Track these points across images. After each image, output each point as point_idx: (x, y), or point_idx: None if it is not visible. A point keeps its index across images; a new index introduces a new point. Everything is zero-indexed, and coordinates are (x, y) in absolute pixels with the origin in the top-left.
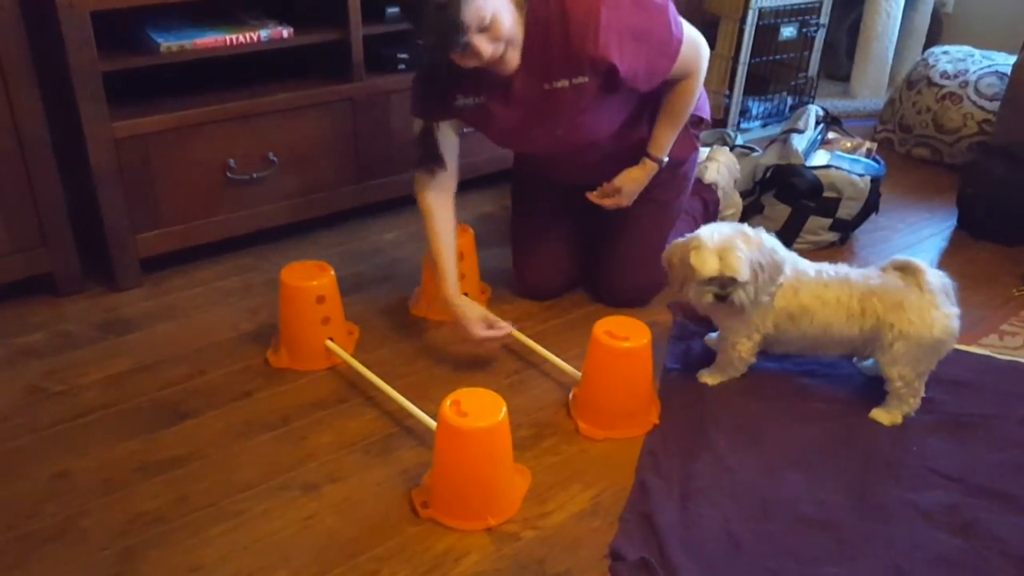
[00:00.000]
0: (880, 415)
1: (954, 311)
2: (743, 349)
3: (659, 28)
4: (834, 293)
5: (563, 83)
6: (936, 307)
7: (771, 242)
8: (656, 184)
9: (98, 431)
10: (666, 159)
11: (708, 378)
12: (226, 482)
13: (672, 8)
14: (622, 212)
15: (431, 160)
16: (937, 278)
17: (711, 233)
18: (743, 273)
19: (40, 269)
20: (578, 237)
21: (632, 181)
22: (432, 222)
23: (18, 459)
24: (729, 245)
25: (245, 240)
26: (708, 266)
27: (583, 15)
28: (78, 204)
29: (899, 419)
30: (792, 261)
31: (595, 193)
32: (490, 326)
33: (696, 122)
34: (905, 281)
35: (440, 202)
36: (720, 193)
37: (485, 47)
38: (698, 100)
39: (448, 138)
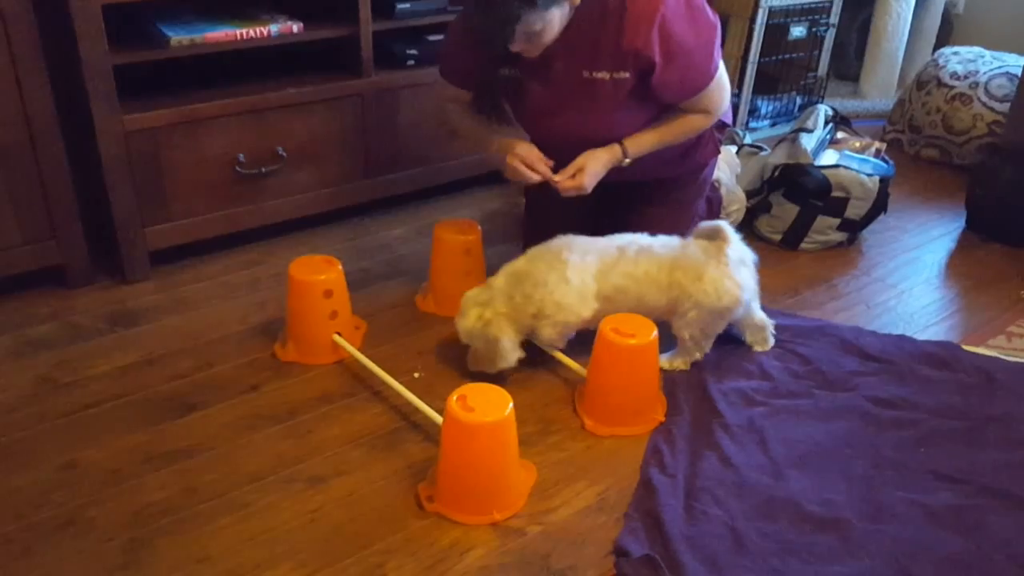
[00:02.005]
0: (663, 362)
1: (742, 281)
2: (553, 333)
3: (702, 51)
4: (643, 268)
5: (604, 74)
6: (728, 277)
7: (500, 326)
8: (677, 185)
9: (106, 422)
10: (628, 161)
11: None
12: (233, 474)
13: (718, 43)
14: (641, 213)
15: (491, 107)
16: (737, 251)
17: (471, 293)
18: (462, 337)
19: (50, 261)
20: (589, 233)
21: (596, 161)
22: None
23: (27, 449)
24: (464, 309)
25: (253, 234)
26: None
27: (642, 12)
28: (88, 197)
29: (681, 366)
30: (579, 246)
31: (559, 175)
32: (530, 164)
33: (720, 127)
34: (707, 251)
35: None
36: (723, 191)
37: (520, 46)
38: (728, 106)
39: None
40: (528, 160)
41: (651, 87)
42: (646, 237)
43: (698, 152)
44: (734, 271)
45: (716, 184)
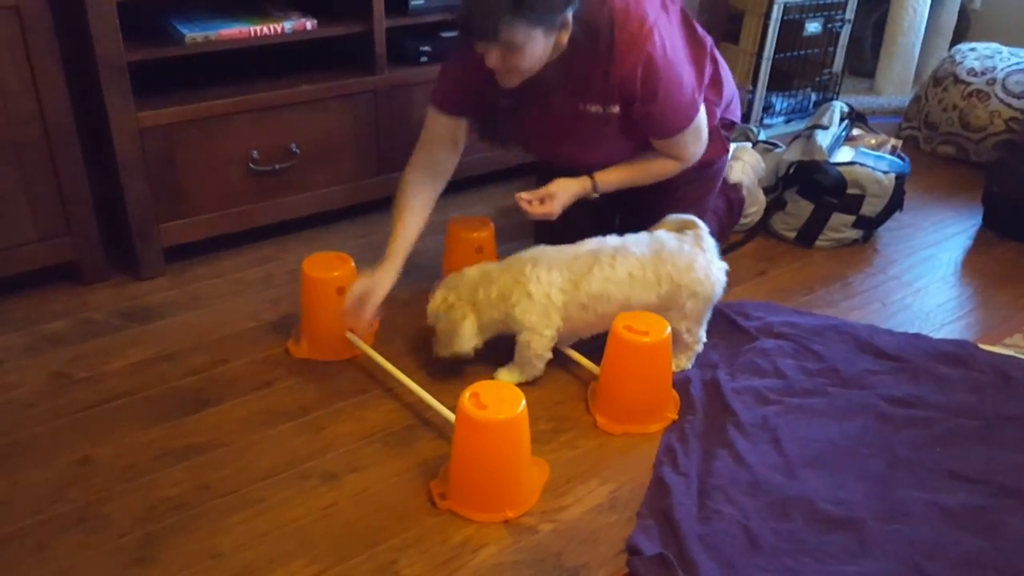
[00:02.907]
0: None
1: (724, 265)
2: (538, 346)
3: (683, 96)
4: (624, 270)
5: (597, 107)
6: (714, 263)
7: (464, 312)
8: (685, 182)
9: (121, 418)
10: (597, 195)
11: (507, 376)
12: (246, 470)
13: (700, 96)
14: (652, 209)
15: (493, 132)
16: (711, 239)
17: (454, 276)
18: (428, 318)
19: (65, 257)
20: (601, 231)
21: (565, 191)
22: (408, 197)
23: (42, 444)
24: (436, 289)
25: (267, 231)
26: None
27: (630, 46)
28: (103, 193)
29: (685, 364)
30: (546, 258)
31: (526, 194)
32: (360, 304)
33: (728, 125)
34: (681, 239)
35: (429, 185)
36: (745, 192)
37: (493, 59)
38: (731, 103)
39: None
40: (351, 304)
41: (634, 116)
42: (615, 238)
43: (706, 151)
44: (715, 257)
45: (739, 186)
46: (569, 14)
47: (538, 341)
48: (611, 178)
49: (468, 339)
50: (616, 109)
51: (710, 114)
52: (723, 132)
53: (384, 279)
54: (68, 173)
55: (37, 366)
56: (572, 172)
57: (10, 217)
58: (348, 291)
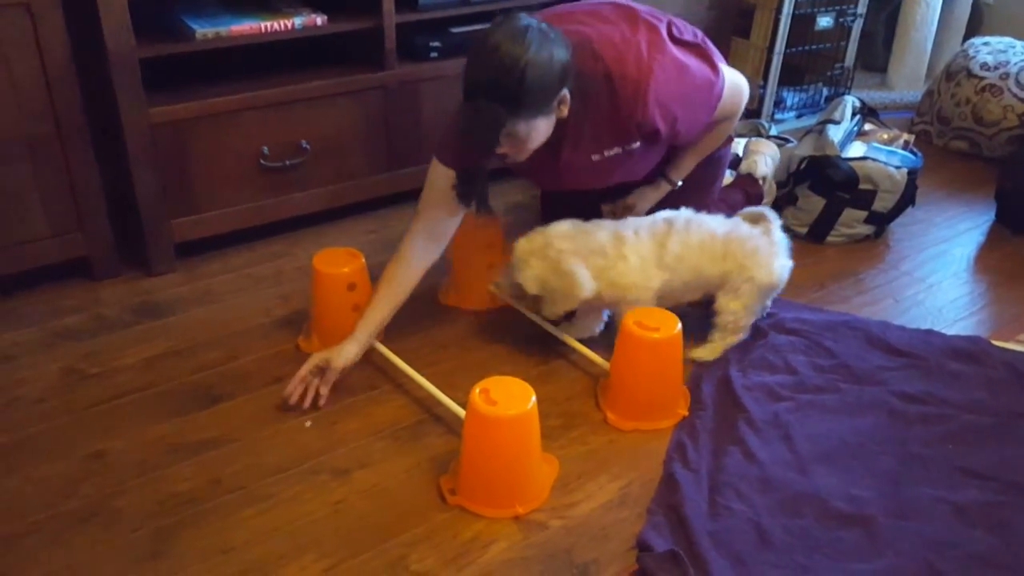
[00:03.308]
0: (701, 352)
1: (789, 264)
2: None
3: (702, 90)
4: (696, 237)
5: (615, 151)
6: (779, 256)
7: (569, 259)
8: (689, 175)
9: (133, 413)
10: (680, 183)
11: (701, 351)
12: (257, 465)
13: (714, 57)
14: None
15: (475, 198)
16: (782, 235)
17: (523, 246)
18: (532, 288)
19: (76, 253)
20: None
21: (646, 200)
22: (398, 269)
23: (54, 439)
24: (524, 261)
25: (278, 227)
26: (513, 279)
27: (631, 92)
28: (114, 189)
29: (719, 352)
30: (628, 224)
31: (608, 207)
32: (318, 374)
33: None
34: (753, 229)
35: (422, 259)
36: (767, 184)
37: (505, 148)
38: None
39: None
40: (306, 372)
41: (665, 141)
42: (687, 211)
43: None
44: (782, 251)
45: (761, 181)
46: (565, 91)
47: (644, 296)
48: (683, 165)
49: (587, 281)
50: (637, 145)
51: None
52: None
53: (348, 352)
54: (80, 169)
55: (49, 361)
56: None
57: (22, 213)
58: (308, 359)
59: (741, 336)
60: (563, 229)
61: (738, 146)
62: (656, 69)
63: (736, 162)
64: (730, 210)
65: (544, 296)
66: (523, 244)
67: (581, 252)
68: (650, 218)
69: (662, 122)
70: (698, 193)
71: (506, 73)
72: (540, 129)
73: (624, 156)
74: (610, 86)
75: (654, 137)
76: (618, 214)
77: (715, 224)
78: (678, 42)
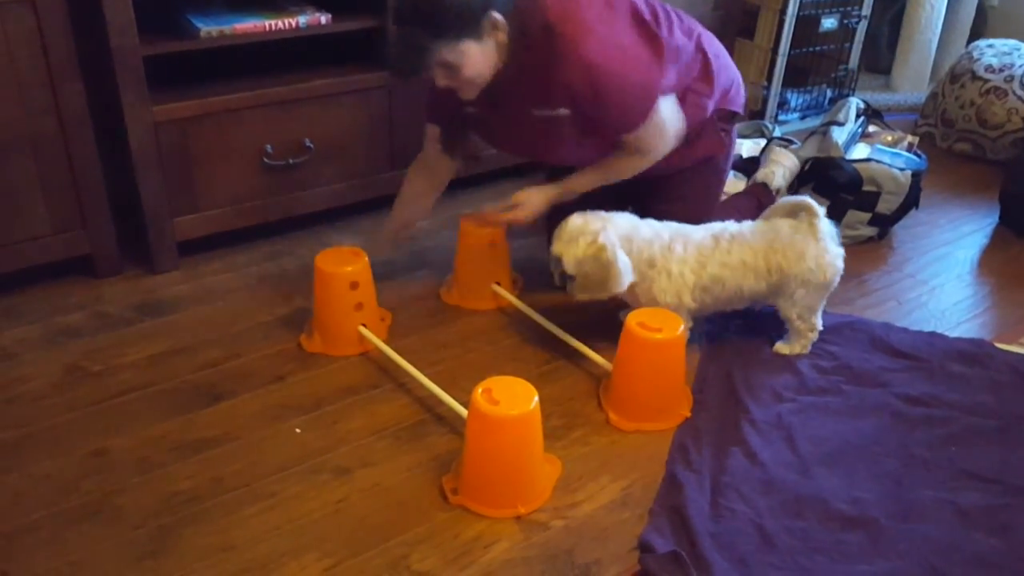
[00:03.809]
0: (783, 348)
1: (840, 251)
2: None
3: (634, 91)
4: (738, 257)
5: (548, 111)
6: (828, 252)
7: (615, 251)
8: (683, 180)
9: (135, 411)
10: (577, 195)
11: (783, 347)
12: (259, 464)
13: (658, 87)
14: (654, 211)
15: (455, 145)
16: (826, 223)
17: (578, 221)
18: (568, 267)
19: (79, 251)
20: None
21: (531, 203)
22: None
23: (56, 437)
24: (572, 238)
25: (281, 225)
26: (555, 248)
27: (567, 50)
28: (117, 187)
29: (799, 350)
30: (681, 235)
31: (497, 207)
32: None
33: (726, 116)
34: (795, 227)
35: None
36: (779, 197)
37: (441, 79)
38: (728, 93)
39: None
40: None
41: (588, 122)
42: (734, 224)
43: (698, 145)
44: (830, 244)
45: (776, 192)
46: (495, 15)
47: (678, 311)
48: (582, 180)
49: (626, 274)
50: (564, 111)
51: (699, 106)
52: (720, 124)
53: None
54: (83, 167)
55: (52, 359)
56: (567, 170)
57: (25, 210)
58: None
59: (815, 334)
60: (623, 222)
61: (743, 147)
62: (592, 41)
63: (753, 166)
64: (741, 216)
65: (577, 278)
66: (576, 221)
67: (631, 252)
68: (703, 230)
69: (587, 89)
70: (692, 206)
71: None
72: (473, 55)
73: (555, 123)
74: (548, 38)
75: (575, 103)
76: (503, 217)
77: (755, 237)
78: (647, 35)
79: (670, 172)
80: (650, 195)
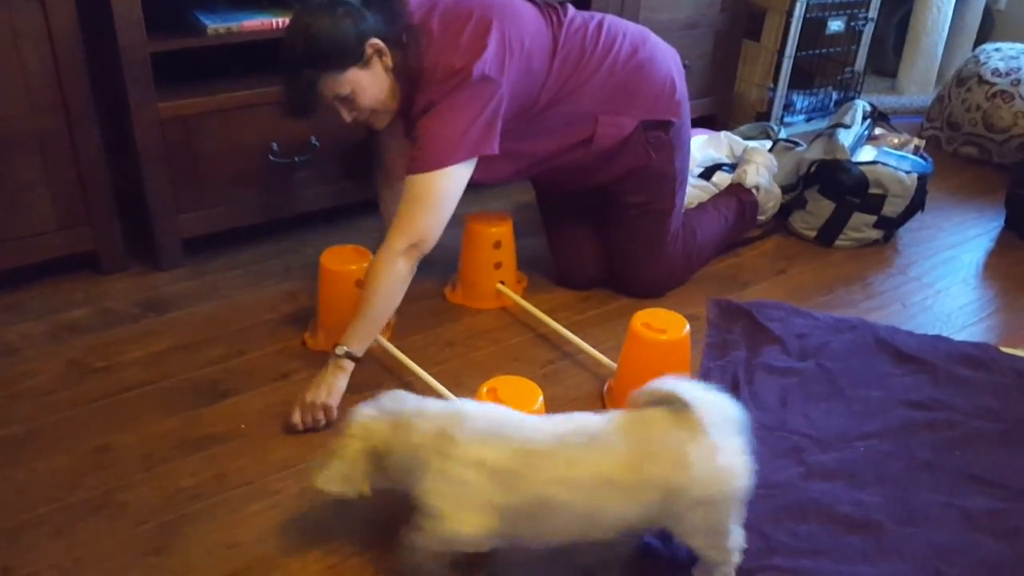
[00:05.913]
0: None
1: (739, 447)
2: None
3: (442, 144)
4: (588, 470)
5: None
6: (721, 452)
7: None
8: (627, 190)
9: (139, 407)
10: (360, 355)
11: None
12: (263, 461)
13: (464, 162)
14: (611, 234)
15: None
16: (713, 408)
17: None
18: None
19: (84, 247)
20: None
21: (326, 392)
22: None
23: (60, 433)
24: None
25: (286, 223)
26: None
27: (439, 80)
28: (123, 183)
29: None
30: (488, 423)
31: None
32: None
33: (662, 125)
34: (678, 423)
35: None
36: (761, 193)
37: (344, 113)
38: (664, 101)
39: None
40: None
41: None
42: (598, 419)
43: (621, 160)
44: (724, 441)
45: (754, 190)
46: (374, 40)
47: (431, 540)
48: (356, 337)
49: (335, 481)
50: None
51: (615, 126)
52: (652, 134)
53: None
54: (89, 163)
55: (56, 354)
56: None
57: (31, 205)
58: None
59: (736, 557)
60: (388, 408)
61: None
62: (460, 95)
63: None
64: (722, 217)
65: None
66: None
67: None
68: (534, 424)
69: (422, 116)
70: (647, 223)
71: (293, 36)
72: (362, 82)
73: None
74: (420, 65)
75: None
76: (307, 418)
77: (615, 442)
78: (490, 119)
79: (599, 184)
80: (607, 217)
